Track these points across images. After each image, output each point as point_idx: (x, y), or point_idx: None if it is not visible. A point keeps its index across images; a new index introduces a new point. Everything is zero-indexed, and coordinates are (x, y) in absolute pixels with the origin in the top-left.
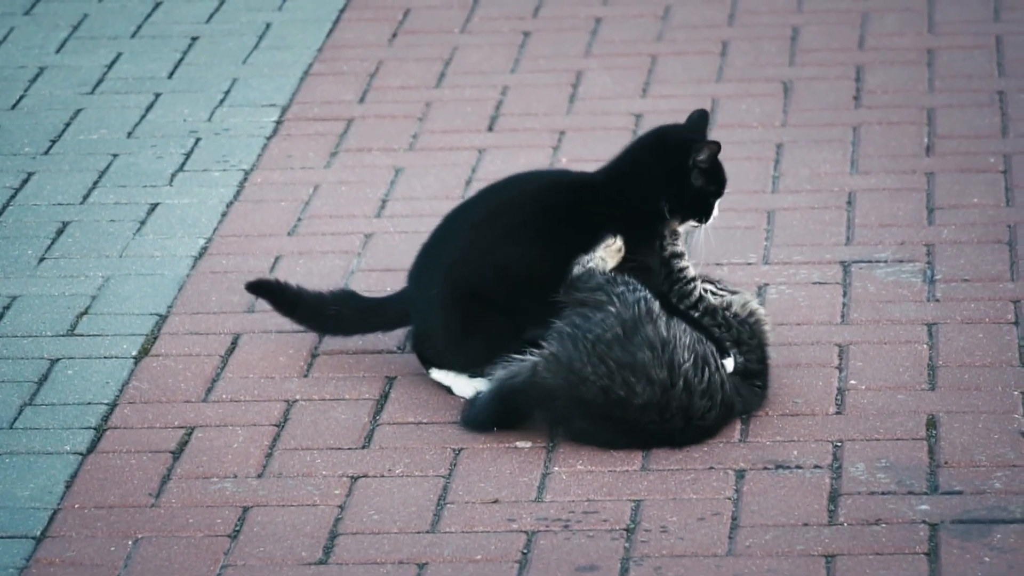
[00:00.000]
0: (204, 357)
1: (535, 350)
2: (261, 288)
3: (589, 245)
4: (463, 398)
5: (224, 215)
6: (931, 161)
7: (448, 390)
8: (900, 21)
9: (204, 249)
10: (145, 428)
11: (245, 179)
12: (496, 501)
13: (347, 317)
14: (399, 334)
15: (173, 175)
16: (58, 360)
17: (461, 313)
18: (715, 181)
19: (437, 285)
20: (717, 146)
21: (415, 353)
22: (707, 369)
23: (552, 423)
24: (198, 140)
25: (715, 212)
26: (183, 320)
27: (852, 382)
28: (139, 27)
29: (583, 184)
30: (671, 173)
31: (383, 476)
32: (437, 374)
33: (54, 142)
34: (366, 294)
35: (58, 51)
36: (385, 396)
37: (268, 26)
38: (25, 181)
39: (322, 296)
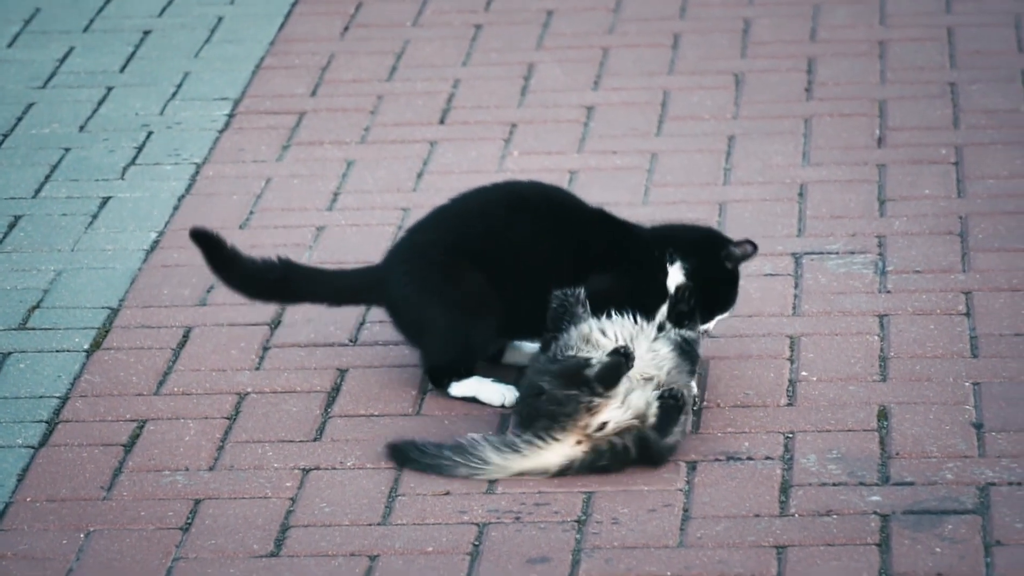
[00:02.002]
0: (156, 350)
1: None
2: (202, 237)
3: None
4: (491, 405)
5: (176, 208)
6: (883, 153)
7: (474, 399)
8: (852, 13)
9: (156, 243)
10: (97, 421)
11: (197, 173)
12: (447, 493)
13: (292, 283)
14: (351, 326)
15: (125, 169)
16: (10, 354)
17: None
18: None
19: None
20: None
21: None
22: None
23: None
24: (150, 134)
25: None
26: (135, 313)
27: (803, 374)
28: (91, 21)
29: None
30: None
31: (335, 468)
32: (458, 389)
33: (6, 136)
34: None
35: (10, 45)
36: (337, 389)
37: (220, 20)
38: None
39: (267, 261)
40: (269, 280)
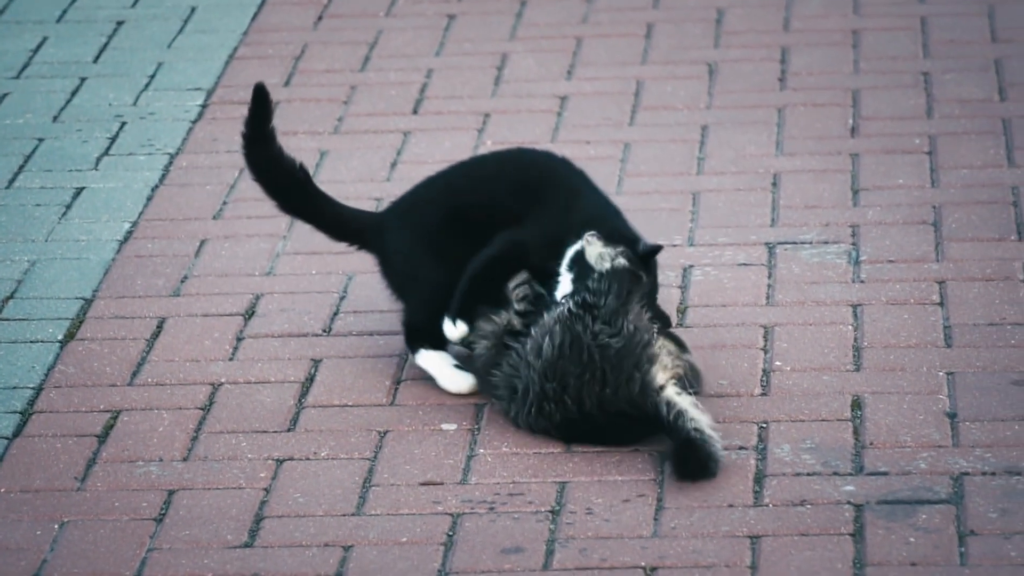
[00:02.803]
0: (129, 341)
1: None
2: (261, 98)
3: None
4: (443, 388)
5: (149, 199)
6: (856, 142)
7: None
8: (825, 3)
9: (129, 233)
10: (71, 412)
11: (170, 163)
12: (422, 483)
13: (305, 194)
14: (325, 316)
15: (98, 159)
16: None
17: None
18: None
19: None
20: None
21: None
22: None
23: None
24: (123, 124)
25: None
26: (108, 304)
27: (777, 363)
28: (64, 11)
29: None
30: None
31: (308, 459)
32: (423, 358)
33: None
34: (289, 291)
35: None
36: (311, 379)
37: (193, 10)
38: None
39: (293, 162)
40: (291, 178)
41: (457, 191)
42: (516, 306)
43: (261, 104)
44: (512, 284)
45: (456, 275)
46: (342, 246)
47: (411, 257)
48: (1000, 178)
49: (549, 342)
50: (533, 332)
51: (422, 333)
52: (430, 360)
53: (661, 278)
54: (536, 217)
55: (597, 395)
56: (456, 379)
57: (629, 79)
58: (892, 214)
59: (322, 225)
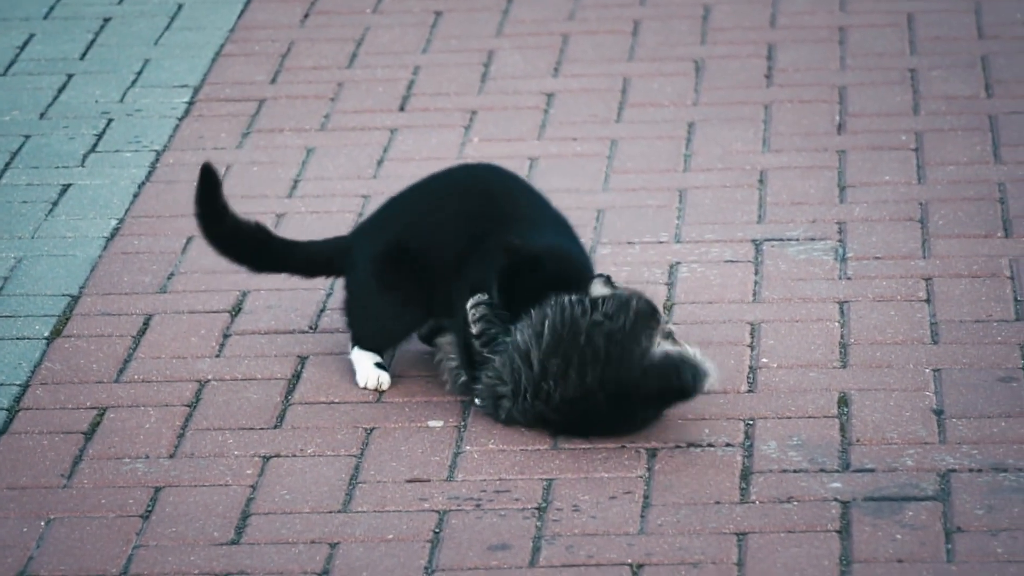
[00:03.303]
0: (116, 338)
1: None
2: (208, 176)
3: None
4: (357, 382)
5: (136, 196)
6: (843, 139)
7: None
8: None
9: (116, 230)
10: (57, 409)
11: (157, 160)
12: (408, 480)
13: (271, 250)
14: (311, 313)
15: (85, 156)
16: None
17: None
18: None
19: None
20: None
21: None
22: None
23: None
24: (110, 121)
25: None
26: (95, 301)
27: (764, 360)
28: (52, 8)
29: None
30: None
31: (295, 456)
32: (354, 354)
33: None
34: (275, 288)
35: None
36: (297, 376)
37: (180, 7)
38: None
39: (251, 224)
40: (254, 241)
41: (403, 224)
42: (473, 328)
43: (209, 182)
44: (469, 305)
45: (395, 301)
46: None
47: (360, 277)
48: (987, 174)
49: (549, 323)
50: (520, 330)
51: (357, 337)
52: (357, 357)
53: (647, 274)
54: (481, 255)
55: (600, 375)
56: (373, 377)
57: (615, 76)
58: (879, 211)
59: (297, 270)
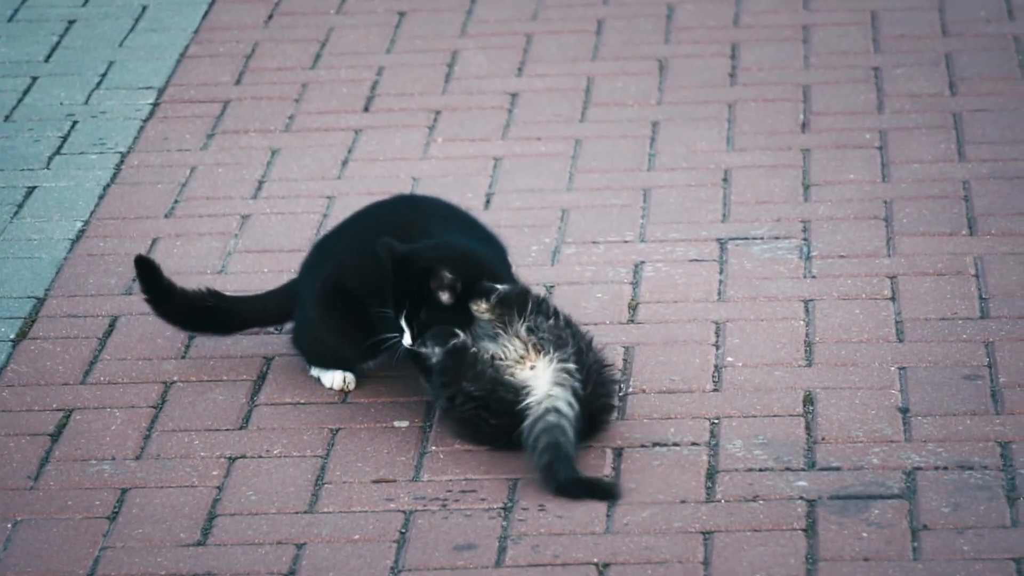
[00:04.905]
0: (82, 340)
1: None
2: (144, 264)
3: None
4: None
5: (101, 198)
6: (807, 138)
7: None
8: None
9: (81, 232)
10: (23, 411)
11: (122, 162)
12: (374, 481)
13: (226, 312)
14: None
15: (50, 158)
16: None
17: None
18: None
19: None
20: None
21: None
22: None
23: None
24: (75, 123)
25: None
26: (61, 303)
27: (729, 359)
28: (16, 11)
29: None
30: None
31: (261, 457)
32: (313, 369)
33: None
34: (239, 290)
35: None
36: (262, 377)
37: (144, 9)
38: None
39: (200, 292)
40: (207, 310)
41: (334, 265)
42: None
43: (146, 270)
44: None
45: (336, 335)
46: (295, 243)
47: (307, 311)
48: (951, 172)
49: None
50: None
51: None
52: (318, 369)
53: (612, 274)
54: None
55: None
56: (337, 379)
57: (580, 75)
58: (843, 209)
59: (257, 322)
